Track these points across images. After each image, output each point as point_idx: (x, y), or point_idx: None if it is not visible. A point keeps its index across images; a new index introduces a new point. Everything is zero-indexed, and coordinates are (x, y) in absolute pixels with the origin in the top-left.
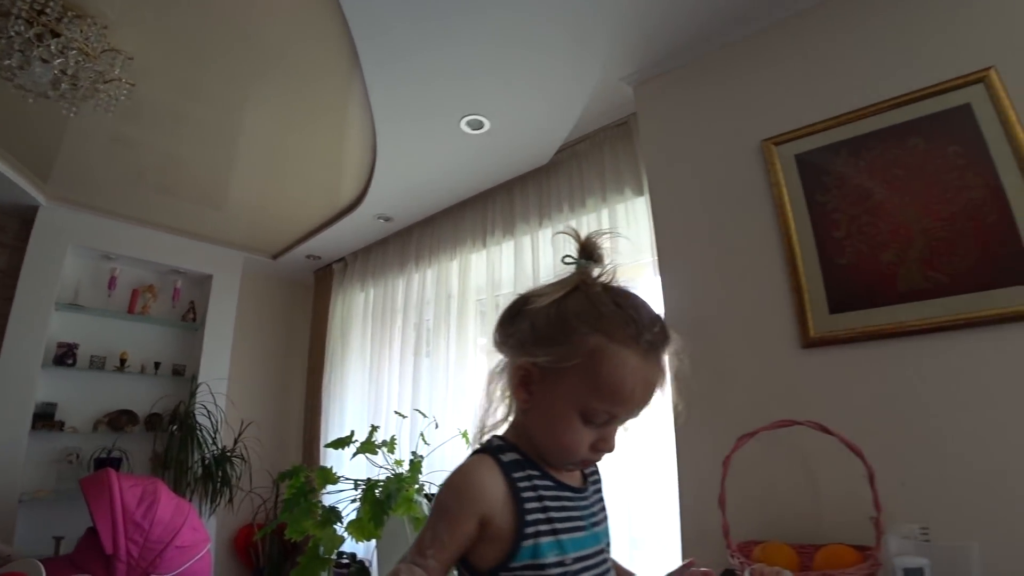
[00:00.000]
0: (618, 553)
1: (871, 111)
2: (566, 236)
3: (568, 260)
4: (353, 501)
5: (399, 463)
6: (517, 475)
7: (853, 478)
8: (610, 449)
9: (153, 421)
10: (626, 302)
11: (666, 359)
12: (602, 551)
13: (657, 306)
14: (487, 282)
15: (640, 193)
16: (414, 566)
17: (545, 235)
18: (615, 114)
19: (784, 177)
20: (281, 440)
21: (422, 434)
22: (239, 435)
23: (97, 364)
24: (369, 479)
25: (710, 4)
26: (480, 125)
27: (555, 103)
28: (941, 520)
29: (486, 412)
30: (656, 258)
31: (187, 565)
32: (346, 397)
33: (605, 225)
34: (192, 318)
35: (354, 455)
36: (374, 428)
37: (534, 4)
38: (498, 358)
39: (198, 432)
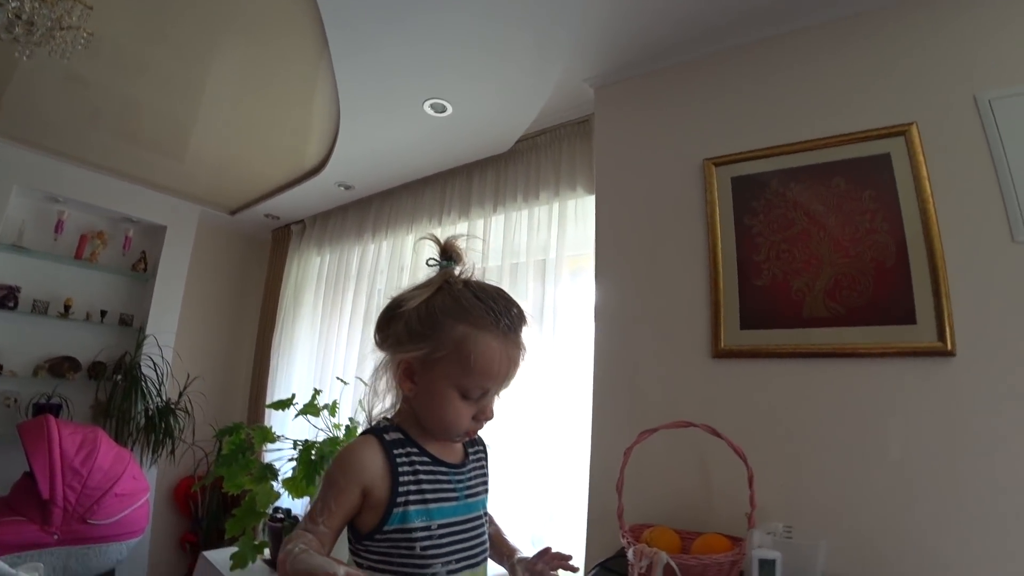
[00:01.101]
0: (537, 527)
1: (805, 146)
2: (455, 242)
3: (431, 263)
4: (290, 460)
5: (337, 427)
6: (397, 451)
7: (738, 478)
8: (489, 417)
9: (97, 369)
10: (484, 295)
11: (524, 337)
12: (474, 519)
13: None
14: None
15: (591, 192)
16: (306, 532)
17: (499, 220)
18: (577, 112)
19: (719, 197)
20: (227, 396)
21: (361, 401)
22: (184, 388)
23: (40, 309)
24: (307, 440)
25: (669, 20)
26: (443, 109)
27: (517, 97)
28: (804, 520)
29: (373, 402)
30: (595, 255)
31: (125, 513)
32: (294, 359)
33: (555, 217)
34: (143, 268)
35: (296, 416)
36: (317, 392)
37: (498, 6)
38: (380, 356)
39: (143, 383)
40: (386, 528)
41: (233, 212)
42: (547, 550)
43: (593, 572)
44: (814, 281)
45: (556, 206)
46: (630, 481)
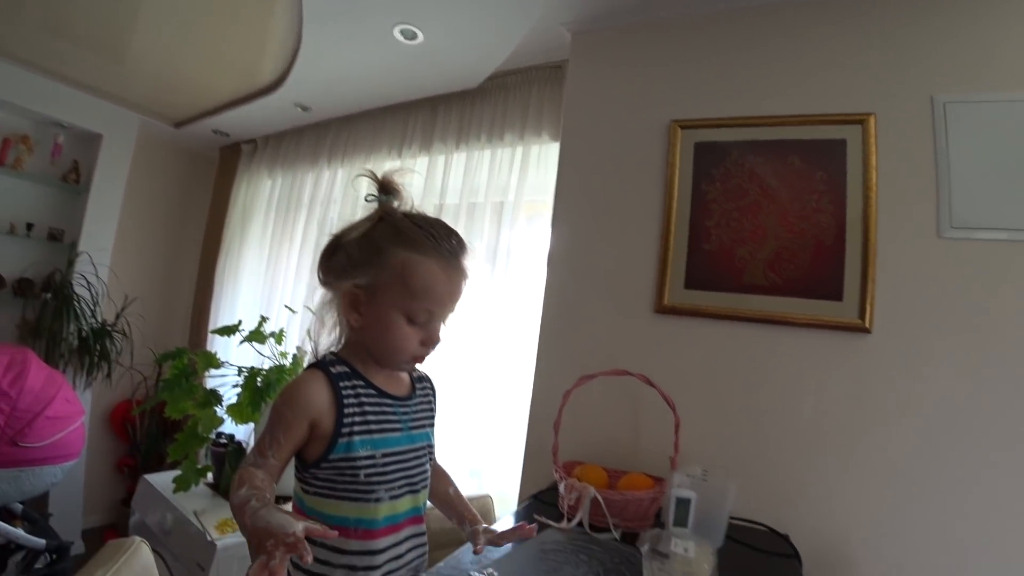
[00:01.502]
0: (476, 459)
1: (769, 121)
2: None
3: (370, 198)
4: (235, 387)
5: (284, 355)
6: (343, 384)
7: (666, 424)
8: (436, 342)
9: (23, 286)
10: (424, 222)
11: (467, 264)
12: (417, 450)
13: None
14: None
15: (556, 139)
16: (256, 470)
17: (460, 158)
18: (551, 56)
19: (681, 160)
20: (167, 320)
21: (308, 330)
22: (122, 310)
23: None
24: (253, 367)
25: None
26: (413, 36)
27: (492, 32)
28: (721, 466)
29: (319, 337)
30: (553, 203)
31: (58, 436)
32: (240, 284)
33: (518, 161)
34: (75, 179)
35: (241, 342)
36: (264, 319)
37: None
38: (323, 292)
39: (75, 303)
40: (331, 457)
41: (178, 125)
42: (523, 525)
43: (527, 502)
44: (758, 251)
45: (520, 150)
46: (567, 421)
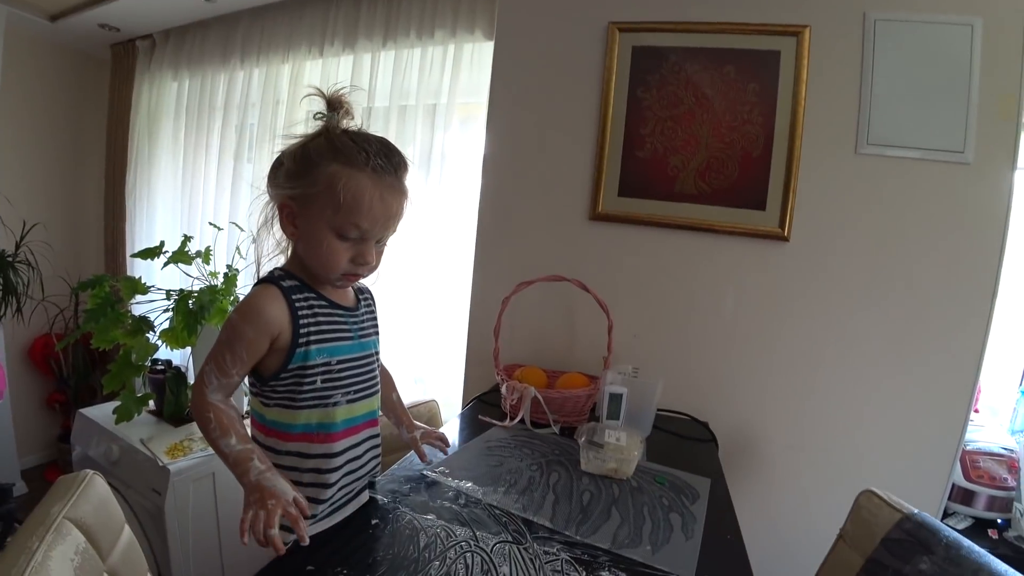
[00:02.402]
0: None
1: (707, 28)
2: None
3: (318, 116)
4: (165, 311)
5: (214, 275)
6: (296, 297)
7: (600, 327)
8: (368, 263)
9: None
10: (360, 138)
11: (404, 184)
12: (367, 357)
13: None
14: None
15: (491, 38)
16: (223, 404)
17: (388, 57)
18: None
19: (618, 64)
20: (78, 247)
21: (238, 248)
22: (21, 238)
23: None
24: (182, 290)
25: None
26: None
27: None
28: (650, 364)
29: (260, 249)
30: (488, 106)
31: None
32: (156, 202)
33: (450, 61)
34: None
35: (165, 265)
36: (187, 238)
37: None
38: (268, 204)
39: None
40: (290, 367)
41: (54, 18)
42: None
43: (471, 404)
44: (689, 160)
45: (452, 48)
46: (506, 326)
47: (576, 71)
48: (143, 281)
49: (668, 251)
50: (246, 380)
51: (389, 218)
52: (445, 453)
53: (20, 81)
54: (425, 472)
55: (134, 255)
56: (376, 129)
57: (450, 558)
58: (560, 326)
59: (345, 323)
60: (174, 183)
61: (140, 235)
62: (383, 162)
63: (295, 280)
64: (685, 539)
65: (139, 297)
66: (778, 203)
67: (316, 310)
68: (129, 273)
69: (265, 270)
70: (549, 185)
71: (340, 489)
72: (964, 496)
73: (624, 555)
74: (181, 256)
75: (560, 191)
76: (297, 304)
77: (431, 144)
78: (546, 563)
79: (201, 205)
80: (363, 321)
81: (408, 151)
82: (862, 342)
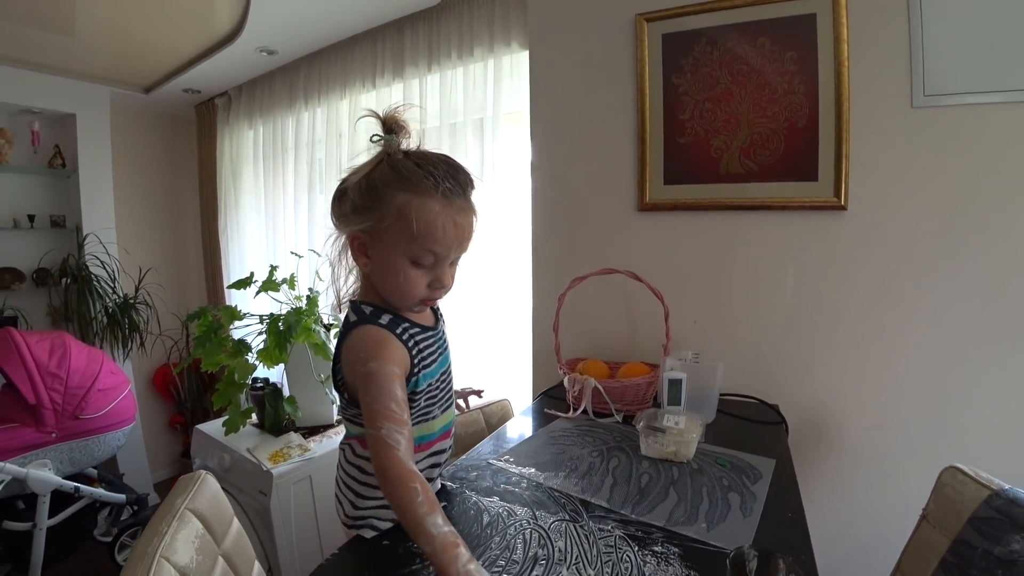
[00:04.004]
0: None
1: (735, 4)
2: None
3: (375, 139)
4: (260, 334)
5: (299, 298)
6: (398, 331)
7: (658, 315)
8: (444, 285)
9: (42, 276)
10: (424, 162)
11: (472, 202)
12: (450, 368)
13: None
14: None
15: (526, 47)
16: (410, 463)
17: (434, 80)
18: None
19: (649, 54)
20: (184, 284)
21: (317, 272)
22: (139, 282)
23: None
24: (272, 314)
25: None
26: None
27: None
28: (710, 349)
29: (338, 283)
30: (530, 113)
31: (112, 405)
32: (244, 238)
33: (491, 75)
34: (61, 164)
35: (256, 294)
36: (273, 268)
37: None
38: (338, 237)
39: (94, 283)
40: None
41: (147, 90)
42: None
43: (537, 399)
44: (732, 140)
45: (491, 63)
46: (566, 322)
47: (609, 67)
48: (239, 309)
49: (720, 234)
50: (337, 403)
51: (463, 240)
52: (479, 396)
53: (126, 147)
54: (491, 460)
55: (229, 286)
56: (430, 148)
57: (510, 534)
58: (619, 318)
59: (435, 343)
60: (258, 219)
61: (234, 268)
62: (451, 184)
63: (386, 313)
64: (743, 517)
65: (237, 323)
66: (831, 171)
67: (417, 339)
68: (228, 303)
69: (345, 300)
70: (596, 181)
71: None
72: None
73: (678, 531)
74: (270, 284)
75: (607, 186)
76: (403, 337)
77: (482, 156)
78: (600, 539)
79: (283, 235)
80: (444, 335)
81: (468, 171)
82: (940, 310)
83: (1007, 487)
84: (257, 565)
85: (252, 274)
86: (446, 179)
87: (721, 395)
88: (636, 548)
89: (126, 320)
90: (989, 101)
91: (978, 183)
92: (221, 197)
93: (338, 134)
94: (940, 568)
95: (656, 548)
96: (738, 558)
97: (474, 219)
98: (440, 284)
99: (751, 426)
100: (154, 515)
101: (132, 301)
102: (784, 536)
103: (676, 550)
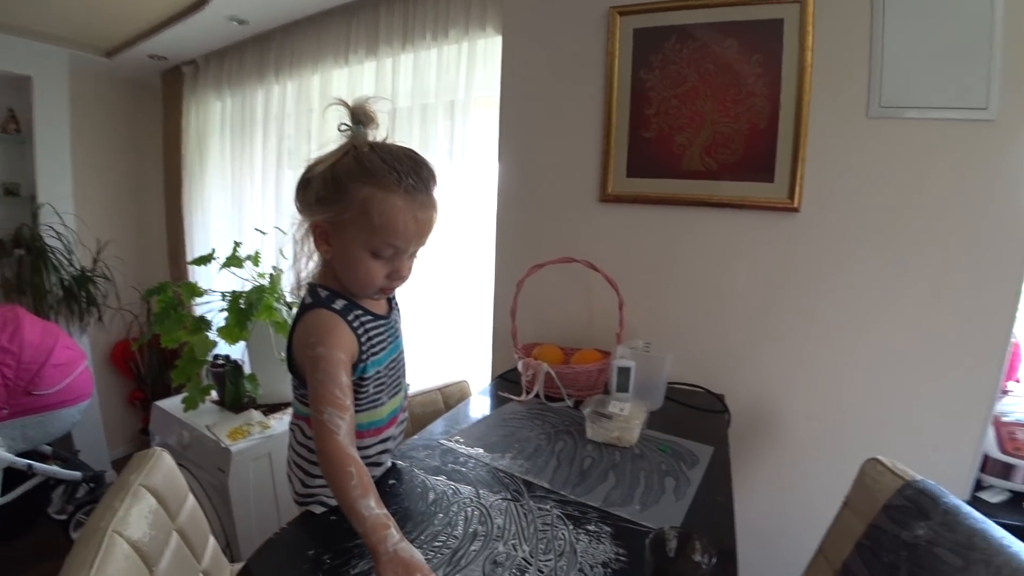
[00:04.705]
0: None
1: (706, 3)
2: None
3: (343, 128)
4: (221, 311)
5: (262, 276)
6: (349, 317)
7: (614, 305)
8: (402, 276)
9: None
10: (389, 156)
11: (435, 197)
12: (401, 353)
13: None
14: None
15: (500, 33)
16: (349, 447)
17: (408, 60)
18: None
19: (620, 48)
20: (145, 258)
21: (280, 250)
22: (97, 255)
23: None
24: (234, 291)
25: None
26: None
27: None
28: (663, 339)
29: (298, 266)
30: (500, 99)
31: (67, 381)
32: (208, 212)
33: (464, 58)
34: (16, 129)
35: (220, 269)
36: (237, 244)
37: None
38: (301, 222)
39: (50, 255)
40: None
41: (109, 54)
42: None
43: (493, 382)
44: (695, 137)
45: (466, 46)
46: (527, 307)
47: (581, 58)
48: (200, 285)
49: (679, 228)
50: (292, 387)
51: (423, 235)
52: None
53: (86, 114)
54: (442, 440)
55: (191, 262)
56: (400, 128)
57: (453, 512)
58: (578, 306)
59: (386, 331)
60: (223, 194)
61: (198, 243)
62: (414, 180)
63: (341, 299)
64: (675, 500)
65: (197, 300)
66: (787, 174)
67: (367, 327)
68: (191, 279)
69: (304, 282)
70: (560, 170)
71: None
72: (1002, 469)
73: (612, 512)
74: (233, 261)
75: (571, 175)
76: (354, 324)
77: (451, 139)
78: (538, 517)
79: (248, 211)
80: (396, 324)
81: (431, 146)
82: (881, 310)
83: (919, 478)
84: (212, 540)
85: (214, 250)
86: (409, 175)
87: (670, 383)
88: (571, 526)
89: (83, 294)
90: (939, 117)
91: (922, 195)
92: (186, 169)
93: (308, 109)
94: (855, 550)
95: (590, 527)
96: (658, 538)
97: (435, 214)
98: (398, 275)
99: (696, 414)
100: (108, 491)
101: (89, 274)
102: (710, 518)
103: (608, 529)
